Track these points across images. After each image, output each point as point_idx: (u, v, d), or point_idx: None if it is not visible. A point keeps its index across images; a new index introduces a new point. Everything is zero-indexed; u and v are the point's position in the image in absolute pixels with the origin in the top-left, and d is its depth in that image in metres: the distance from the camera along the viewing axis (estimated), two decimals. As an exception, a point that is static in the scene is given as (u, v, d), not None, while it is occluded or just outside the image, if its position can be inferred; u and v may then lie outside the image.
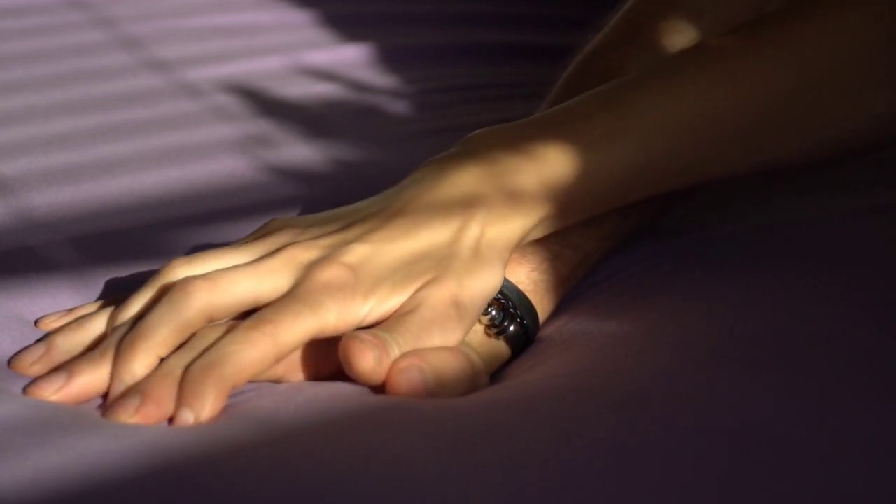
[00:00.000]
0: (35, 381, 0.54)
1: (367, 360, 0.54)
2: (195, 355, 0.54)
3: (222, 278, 0.56)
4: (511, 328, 0.60)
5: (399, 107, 0.91)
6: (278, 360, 0.55)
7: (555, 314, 0.63)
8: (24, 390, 0.54)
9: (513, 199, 0.60)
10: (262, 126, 0.85)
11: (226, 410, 0.52)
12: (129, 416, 0.52)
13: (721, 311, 0.60)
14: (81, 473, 0.47)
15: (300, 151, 0.82)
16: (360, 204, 0.61)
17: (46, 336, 0.57)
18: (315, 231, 0.59)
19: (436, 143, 0.83)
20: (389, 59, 0.98)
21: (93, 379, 0.54)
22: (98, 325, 0.57)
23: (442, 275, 0.58)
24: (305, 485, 0.46)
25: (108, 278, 0.63)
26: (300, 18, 1.06)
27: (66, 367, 0.55)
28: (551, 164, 0.61)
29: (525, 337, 0.61)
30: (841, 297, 0.61)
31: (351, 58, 0.98)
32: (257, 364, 0.54)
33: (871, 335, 0.58)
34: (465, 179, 0.61)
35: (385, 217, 0.59)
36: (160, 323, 0.55)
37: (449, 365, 0.56)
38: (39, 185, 0.74)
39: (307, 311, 0.55)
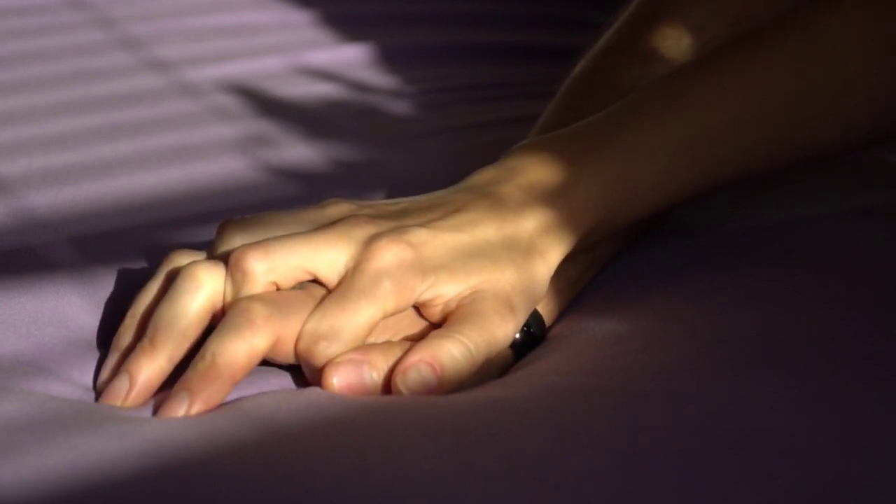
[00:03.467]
0: (104, 391, 0.54)
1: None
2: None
3: (278, 250, 0.56)
4: (517, 336, 0.60)
5: (399, 107, 0.91)
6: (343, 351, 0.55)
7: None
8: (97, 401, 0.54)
9: (562, 211, 0.61)
10: (262, 126, 0.85)
11: (227, 410, 0.52)
12: (182, 415, 0.52)
13: (721, 311, 0.60)
14: (83, 472, 0.47)
15: (300, 151, 0.82)
16: (415, 198, 0.61)
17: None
18: (372, 209, 0.59)
19: (436, 143, 0.83)
20: (389, 59, 0.98)
21: (153, 371, 0.54)
22: (144, 302, 0.57)
23: (497, 274, 0.58)
24: (306, 485, 0.46)
25: (108, 278, 0.63)
26: (300, 18, 1.06)
27: (125, 368, 0.54)
28: (598, 176, 0.62)
29: (532, 344, 0.61)
30: (840, 297, 0.61)
31: (351, 58, 0.98)
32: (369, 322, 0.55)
33: (870, 335, 0.58)
34: (516, 190, 0.61)
35: (444, 212, 0.59)
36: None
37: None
38: (39, 185, 0.74)
39: (365, 301, 0.55)
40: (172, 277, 0.57)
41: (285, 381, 0.57)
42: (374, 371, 0.55)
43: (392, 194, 0.75)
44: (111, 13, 1.05)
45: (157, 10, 1.07)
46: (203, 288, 0.55)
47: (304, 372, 0.56)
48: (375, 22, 1.05)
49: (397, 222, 0.58)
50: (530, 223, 0.60)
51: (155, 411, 0.53)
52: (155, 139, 0.82)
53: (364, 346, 0.55)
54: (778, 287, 0.62)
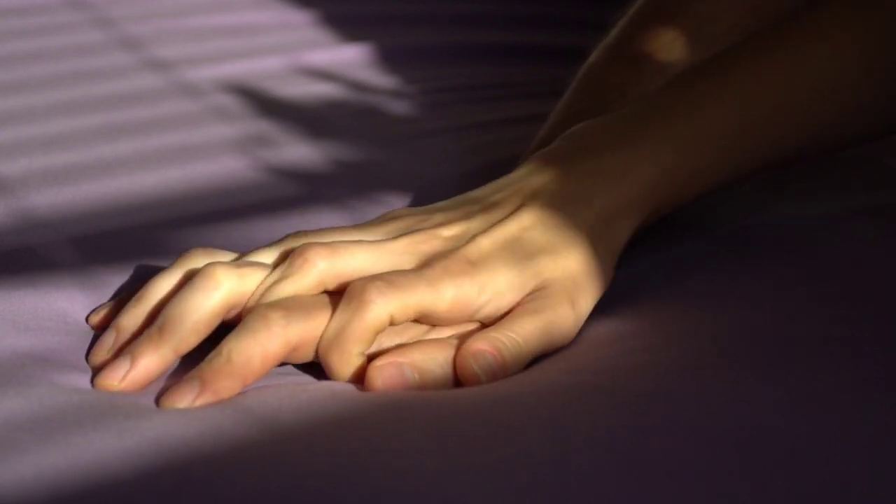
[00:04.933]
0: (101, 370, 0.55)
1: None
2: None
3: (343, 253, 0.57)
4: None
5: (399, 107, 0.91)
6: (391, 323, 0.56)
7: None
8: (95, 385, 0.54)
9: (623, 196, 0.61)
10: (262, 126, 0.85)
11: (229, 407, 0.52)
12: (189, 403, 0.52)
13: (722, 311, 0.60)
14: (83, 470, 0.47)
15: (300, 151, 0.82)
16: (478, 193, 0.62)
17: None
18: (438, 218, 0.60)
19: (436, 143, 0.83)
20: (389, 59, 0.98)
21: (155, 358, 0.54)
22: (159, 291, 0.57)
23: (558, 273, 0.58)
24: (307, 483, 0.46)
25: (107, 277, 0.63)
26: (300, 18, 1.06)
27: (128, 351, 0.55)
28: (656, 160, 0.62)
29: None
30: (840, 297, 0.61)
31: (351, 58, 0.98)
32: (376, 325, 0.55)
33: (870, 335, 0.58)
34: (577, 176, 0.61)
35: (508, 210, 0.60)
36: (282, 288, 0.56)
37: (433, 359, 0.56)
38: (39, 185, 0.74)
39: (424, 284, 0.56)
40: (189, 276, 0.57)
41: (288, 372, 0.57)
42: (415, 371, 0.55)
43: (392, 194, 0.75)
44: (111, 13, 1.05)
45: (157, 10, 1.07)
46: (220, 288, 0.56)
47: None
48: (375, 22, 1.05)
49: (462, 228, 0.59)
50: (590, 214, 0.60)
51: (160, 399, 0.53)
52: (155, 139, 0.82)
53: (404, 347, 0.56)
54: (778, 287, 0.62)
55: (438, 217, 0.60)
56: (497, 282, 0.58)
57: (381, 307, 0.55)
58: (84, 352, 0.57)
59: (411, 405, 0.53)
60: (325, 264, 0.57)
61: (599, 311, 0.61)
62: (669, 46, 0.72)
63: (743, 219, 0.70)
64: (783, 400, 0.52)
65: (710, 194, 0.65)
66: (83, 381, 0.55)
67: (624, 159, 0.62)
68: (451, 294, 0.57)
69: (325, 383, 0.55)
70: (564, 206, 0.60)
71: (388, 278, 0.56)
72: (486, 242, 0.58)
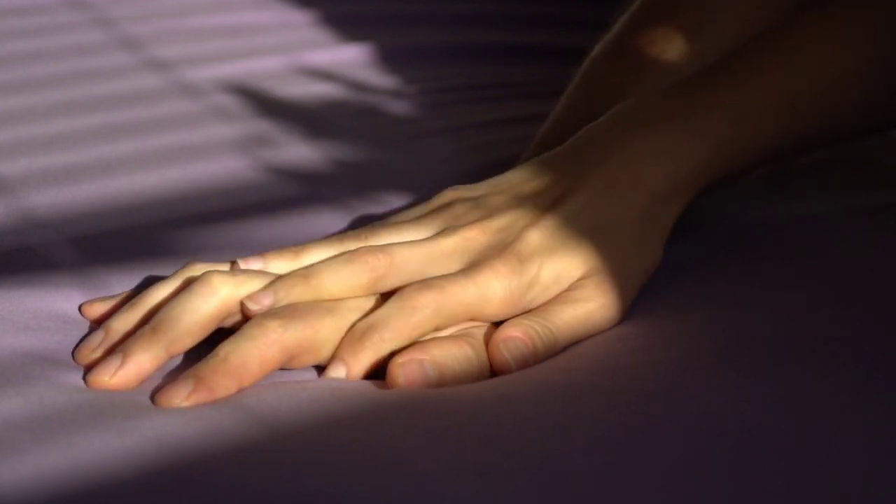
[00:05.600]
0: (93, 368, 0.54)
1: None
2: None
3: (398, 254, 0.58)
4: None
5: (399, 107, 0.91)
6: (435, 325, 0.57)
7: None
8: (86, 382, 0.54)
9: (676, 174, 0.61)
10: (262, 126, 0.85)
11: (228, 406, 0.52)
12: (183, 400, 0.52)
13: (722, 311, 0.60)
14: (82, 470, 0.47)
15: (300, 151, 0.82)
16: (525, 173, 0.62)
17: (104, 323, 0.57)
18: (489, 205, 0.60)
19: (436, 143, 0.83)
20: (389, 59, 0.98)
21: (146, 356, 0.54)
22: (154, 298, 0.57)
23: (606, 261, 0.59)
24: (307, 482, 0.46)
25: (107, 278, 0.63)
26: (300, 18, 1.06)
27: (120, 349, 0.55)
28: (711, 133, 0.63)
29: None
30: (840, 297, 0.61)
31: (351, 58, 0.98)
32: (416, 330, 0.56)
33: (870, 335, 0.58)
34: (627, 156, 0.61)
35: (556, 195, 0.61)
36: (337, 283, 0.57)
37: (451, 355, 0.56)
38: (39, 185, 0.74)
39: (473, 289, 0.57)
40: (187, 284, 0.57)
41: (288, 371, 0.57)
42: (435, 368, 0.55)
43: (392, 194, 0.75)
44: (111, 13, 1.05)
45: (157, 10, 1.07)
46: (217, 294, 0.56)
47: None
48: (375, 22, 1.05)
49: (513, 218, 0.60)
50: (642, 195, 0.61)
51: (155, 397, 0.53)
52: (155, 139, 0.82)
53: (422, 344, 0.56)
54: (777, 287, 0.62)
55: (488, 205, 0.61)
56: (544, 276, 0.59)
57: (429, 317, 0.57)
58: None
59: (411, 404, 0.53)
60: (382, 271, 0.57)
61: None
62: (670, 45, 0.72)
63: (743, 219, 0.70)
64: (783, 400, 0.52)
65: (753, 172, 0.66)
66: (82, 380, 0.55)
67: (677, 136, 0.62)
68: (499, 296, 0.58)
69: (324, 382, 0.55)
70: (614, 189, 0.61)
71: (440, 286, 0.57)
72: (534, 237, 0.59)
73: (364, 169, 0.80)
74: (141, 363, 0.54)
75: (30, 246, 0.68)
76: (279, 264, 0.58)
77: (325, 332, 0.56)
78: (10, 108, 0.86)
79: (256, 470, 0.47)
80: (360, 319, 0.57)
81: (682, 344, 0.57)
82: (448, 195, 0.62)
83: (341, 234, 0.60)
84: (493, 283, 0.58)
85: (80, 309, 0.59)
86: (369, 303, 0.58)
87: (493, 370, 0.57)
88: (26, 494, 0.46)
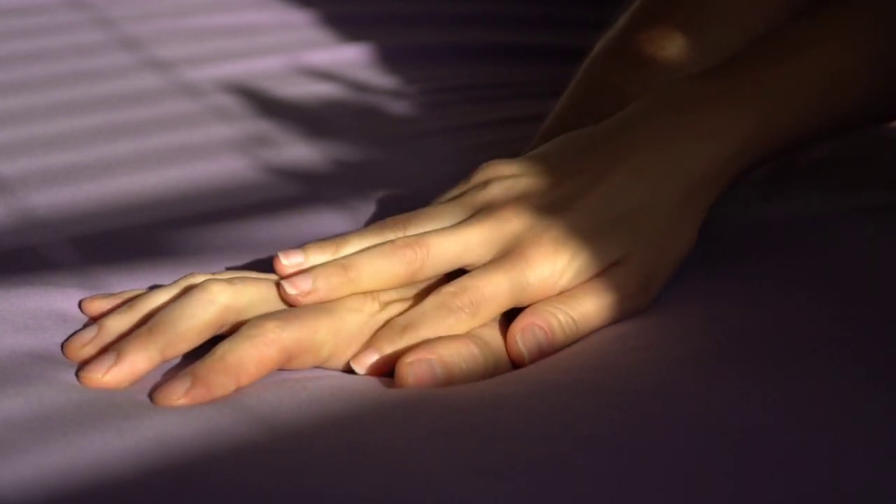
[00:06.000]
0: (85, 364, 0.54)
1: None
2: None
3: (434, 246, 0.58)
4: None
5: (399, 107, 0.90)
6: (477, 322, 0.58)
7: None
8: (79, 377, 0.54)
9: (719, 156, 0.62)
10: (262, 126, 0.85)
11: (228, 406, 0.52)
12: (180, 397, 0.52)
13: (722, 310, 0.60)
14: (83, 470, 0.47)
15: (300, 151, 0.82)
16: (565, 150, 0.63)
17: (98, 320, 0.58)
18: (525, 187, 0.61)
19: (436, 143, 0.83)
20: (389, 59, 0.98)
21: (141, 356, 0.54)
22: (152, 303, 0.57)
23: (641, 248, 0.60)
24: (306, 482, 0.46)
25: (107, 277, 0.63)
26: (300, 18, 1.06)
27: (115, 347, 0.55)
28: (754, 114, 0.63)
29: None
30: (841, 297, 0.61)
31: (351, 58, 0.98)
32: (453, 328, 0.57)
33: (870, 334, 0.58)
34: (664, 141, 0.62)
35: (593, 178, 0.61)
36: (374, 276, 0.58)
37: (458, 354, 0.56)
38: (39, 185, 0.74)
39: (506, 282, 0.58)
40: (187, 290, 0.57)
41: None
42: (443, 367, 0.56)
43: (392, 194, 0.75)
44: (111, 13, 1.05)
45: (157, 10, 1.07)
46: (215, 302, 0.56)
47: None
48: (375, 22, 1.05)
49: (548, 199, 0.60)
50: (680, 181, 0.61)
51: (153, 395, 0.53)
52: (155, 139, 0.82)
53: (429, 343, 0.57)
54: (778, 286, 0.62)
55: (524, 186, 0.61)
56: (578, 261, 0.59)
57: (465, 320, 0.58)
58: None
59: (411, 404, 0.53)
60: (418, 265, 0.58)
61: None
62: (671, 43, 0.72)
63: (743, 218, 0.70)
64: (783, 399, 0.52)
65: (793, 152, 0.66)
66: (75, 376, 0.55)
67: (716, 120, 0.62)
68: (534, 285, 0.58)
69: (324, 381, 0.55)
70: (651, 174, 0.61)
71: (476, 287, 0.58)
72: (568, 221, 0.59)
73: (364, 169, 0.80)
74: (135, 363, 0.54)
75: (30, 246, 0.68)
76: (319, 258, 0.59)
77: (323, 333, 0.56)
78: (10, 108, 0.86)
79: (256, 470, 0.47)
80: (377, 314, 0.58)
81: (682, 343, 0.57)
82: (486, 172, 0.62)
83: (381, 221, 0.61)
84: (528, 273, 0.58)
85: (80, 304, 0.59)
86: (368, 304, 0.58)
87: (510, 356, 0.58)
88: (26, 494, 0.46)
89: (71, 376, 0.54)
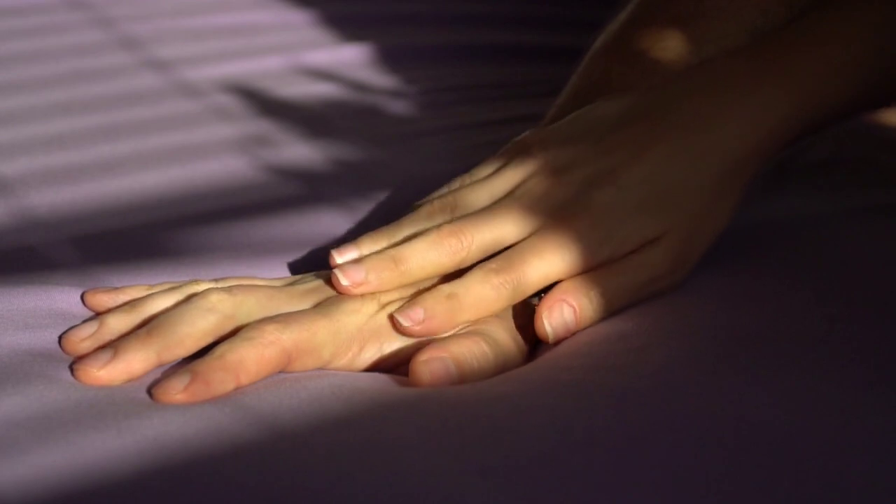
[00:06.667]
0: (81, 358, 0.55)
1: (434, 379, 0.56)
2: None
3: (479, 233, 0.60)
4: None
5: (399, 107, 0.90)
6: (518, 297, 0.59)
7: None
8: (72, 368, 0.54)
9: (751, 137, 0.62)
10: (262, 126, 0.85)
11: (228, 405, 0.52)
12: (179, 392, 0.53)
13: (721, 310, 0.60)
14: (83, 470, 0.47)
15: (300, 151, 0.82)
16: (606, 120, 0.63)
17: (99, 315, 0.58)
18: (567, 157, 0.61)
19: (436, 142, 0.83)
20: (389, 59, 0.98)
21: (138, 356, 0.55)
22: (154, 307, 0.58)
23: (679, 225, 0.60)
24: (306, 481, 0.46)
25: (107, 277, 0.63)
26: (300, 18, 1.06)
27: (113, 344, 0.55)
28: (784, 97, 0.63)
29: None
30: (840, 297, 0.61)
31: (351, 58, 0.98)
32: (494, 304, 0.59)
33: (870, 334, 0.58)
34: (706, 118, 0.62)
35: (632, 154, 0.61)
36: (424, 268, 0.59)
37: (470, 352, 0.57)
38: (39, 185, 0.74)
39: (546, 258, 0.59)
40: (189, 297, 0.58)
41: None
42: (456, 365, 0.56)
43: (392, 194, 0.75)
44: (111, 13, 1.05)
45: (157, 10, 1.07)
46: (215, 311, 0.56)
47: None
48: (375, 22, 1.05)
49: (589, 171, 0.60)
50: (720, 159, 0.61)
51: (152, 391, 0.53)
52: (155, 139, 0.82)
53: (441, 341, 0.57)
54: (777, 286, 0.62)
55: (566, 156, 0.61)
56: (617, 237, 0.60)
57: (506, 297, 0.59)
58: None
59: (411, 403, 0.53)
60: (465, 253, 0.60)
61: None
62: (672, 35, 0.72)
63: (743, 218, 0.70)
64: (783, 399, 0.52)
65: (825, 130, 0.66)
66: (69, 369, 0.55)
67: (757, 97, 0.63)
68: (572, 262, 0.59)
69: (324, 380, 0.55)
70: (692, 152, 0.61)
71: (520, 269, 0.59)
72: (608, 197, 0.60)
73: (364, 169, 0.80)
74: (131, 362, 0.54)
75: (30, 246, 0.68)
76: (375, 247, 0.60)
77: (322, 335, 0.56)
78: (10, 108, 0.86)
79: (256, 469, 0.47)
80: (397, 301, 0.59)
81: (682, 343, 0.57)
82: (529, 139, 0.63)
83: (431, 204, 0.62)
84: (566, 249, 0.59)
85: (82, 296, 0.60)
86: (367, 305, 0.58)
87: (537, 336, 0.59)
88: (26, 493, 0.46)
89: (70, 375, 0.54)
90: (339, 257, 0.60)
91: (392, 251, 0.59)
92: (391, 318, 0.58)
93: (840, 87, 0.65)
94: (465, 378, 0.56)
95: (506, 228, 0.60)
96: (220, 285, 0.59)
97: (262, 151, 0.81)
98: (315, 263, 0.66)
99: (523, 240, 0.60)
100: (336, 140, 0.84)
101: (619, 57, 0.72)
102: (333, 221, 0.71)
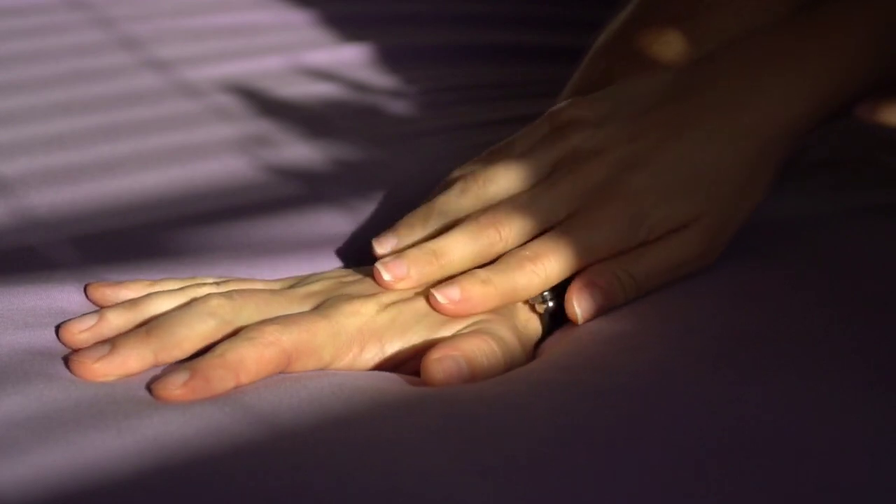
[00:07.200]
0: (78, 351, 0.55)
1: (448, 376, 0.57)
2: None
3: (516, 222, 0.61)
4: (551, 303, 0.61)
5: (399, 107, 0.90)
6: (550, 283, 0.60)
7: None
8: (67, 359, 0.54)
9: (786, 117, 0.62)
10: (262, 126, 0.85)
11: (228, 405, 0.52)
12: (178, 387, 0.53)
13: (720, 310, 0.60)
14: (83, 470, 0.47)
15: (300, 151, 0.82)
16: (641, 98, 0.64)
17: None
18: (603, 138, 0.62)
19: (436, 142, 0.83)
20: (389, 59, 0.98)
21: (134, 354, 0.55)
22: (155, 308, 0.58)
23: (712, 208, 0.61)
24: (307, 481, 0.46)
25: (107, 277, 0.63)
26: (300, 18, 1.06)
27: (111, 340, 0.55)
28: (820, 76, 0.64)
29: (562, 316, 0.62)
30: (840, 296, 0.61)
31: (351, 58, 0.98)
32: (526, 291, 0.60)
33: (870, 334, 0.58)
34: (741, 99, 0.62)
35: (667, 136, 0.62)
36: (464, 260, 0.60)
37: (480, 350, 0.57)
38: (39, 185, 0.74)
39: (578, 244, 0.60)
40: (192, 301, 0.58)
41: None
42: (467, 363, 0.57)
43: (392, 194, 0.75)
44: (111, 13, 1.05)
45: (157, 10, 1.07)
46: (214, 315, 0.57)
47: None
48: (375, 22, 1.05)
49: (626, 151, 0.61)
50: (755, 140, 0.62)
51: (151, 386, 0.53)
52: (155, 139, 0.82)
53: (452, 339, 0.58)
54: (778, 285, 0.62)
55: (602, 137, 0.62)
56: (651, 220, 0.60)
57: (539, 285, 0.60)
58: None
59: (411, 403, 0.53)
60: (502, 244, 0.61)
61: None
62: (672, 33, 0.72)
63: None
64: (778, 399, 0.52)
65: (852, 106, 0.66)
66: (81, 378, 0.55)
67: (792, 77, 0.63)
68: (603, 244, 0.60)
69: (324, 380, 0.55)
70: (726, 133, 0.61)
71: (556, 257, 0.60)
72: (644, 180, 0.60)
73: (364, 169, 0.80)
74: (127, 358, 0.55)
75: (30, 245, 0.68)
76: (411, 235, 0.61)
77: (322, 336, 0.56)
78: (10, 108, 0.86)
79: (256, 468, 0.47)
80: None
81: (682, 343, 0.57)
82: (565, 115, 0.64)
83: (464, 178, 0.63)
84: (599, 234, 0.60)
85: (85, 288, 0.60)
86: (367, 306, 0.58)
87: (566, 310, 0.60)
88: (26, 493, 0.46)
89: (71, 374, 0.54)
90: (380, 248, 0.61)
91: (432, 245, 0.60)
92: (430, 294, 0.59)
93: (870, 64, 0.65)
94: (475, 376, 0.56)
95: (541, 216, 0.61)
96: (221, 287, 0.59)
97: (262, 151, 0.81)
98: (315, 263, 0.66)
99: (557, 224, 0.60)
100: (336, 140, 0.84)
101: (621, 56, 0.72)
102: (333, 221, 0.71)
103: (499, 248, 0.60)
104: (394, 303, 0.59)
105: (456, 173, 0.64)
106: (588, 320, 0.60)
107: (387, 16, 1.07)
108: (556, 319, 0.62)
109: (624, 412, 0.51)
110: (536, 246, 0.60)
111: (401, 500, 0.46)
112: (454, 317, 0.59)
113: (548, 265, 0.60)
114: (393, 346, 0.58)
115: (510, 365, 0.58)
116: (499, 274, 0.60)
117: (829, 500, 0.47)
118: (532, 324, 0.61)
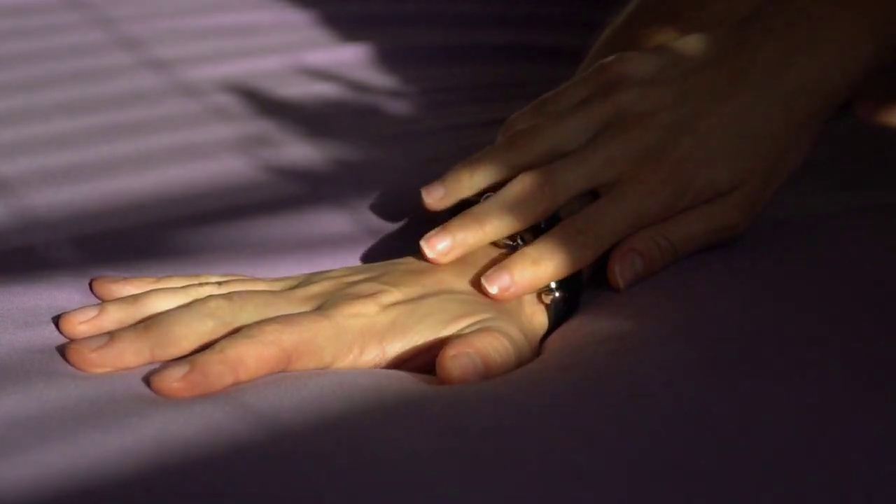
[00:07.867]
0: (77, 341, 0.55)
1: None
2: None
3: (561, 190, 0.61)
4: (557, 294, 0.61)
5: (399, 107, 0.91)
6: (600, 253, 0.61)
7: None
8: (66, 349, 0.54)
9: (827, 81, 0.63)
10: (262, 126, 0.85)
11: (228, 404, 0.52)
12: (176, 380, 0.53)
13: (723, 310, 0.60)
14: (83, 470, 0.47)
15: (300, 151, 0.82)
16: (687, 58, 0.64)
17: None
18: (652, 100, 0.62)
19: (436, 142, 0.83)
20: (389, 59, 0.98)
21: (131, 348, 0.55)
22: (156, 305, 0.58)
23: (755, 173, 0.62)
24: (307, 481, 0.46)
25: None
26: (300, 18, 1.06)
27: (109, 332, 0.56)
28: (869, 36, 0.63)
29: (567, 308, 0.62)
30: (840, 296, 0.61)
31: (351, 58, 0.98)
32: (579, 264, 0.60)
33: (870, 335, 0.58)
34: (782, 64, 0.62)
35: (713, 97, 0.62)
36: (505, 230, 0.61)
37: (493, 347, 0.57)
38: (39, 185, 0.74)
39: (628, 212, 0.60)
40: (193, 301, 0.58)
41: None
42: (482, 360, 0.57)
43: (392, 194, 0.75)
44: (111, 13, 1.05)
45: (157, 10, 1.07)
46: (213, 317, 0.57)
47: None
48: (375, 22, 1.05)
49: (674, 115, 0.61)
50: (803, 102, 0.62)
51: (149, 379, 0.53)
52: (155, 139, 0.82)
53: (465, 337, 0.57)
54: (778, 285, 0.62)
55: (651, 99, 0.62)
56: (696, 185, 0.61)
57: (589, 256, 0.60)
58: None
59: (412, 402, 0.53)
60: (543, 213, 0.61)
61: (596, 309, 0.61)
62: (674, 30, 0.72)
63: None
64: (780, 400, 0.52)
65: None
66: (82, 376, 0.55)
67: (840, 34, 0.63)
68: (653, 211, 0.61)
69: (325, 379, 0.55)
70: (775, 94, 0.62)
71: (597, 219, 0.60)
72: (684, 146, 0.61)
73: (364, 169, 0.80)
74: (123, 351, 0.55)
75: (30, 245, 0.68)
76: (457, 188, 0.62)
77: (323, 336, 0.56)
78: (10, 108, 0.86)
79: (257, 468, 0.47)
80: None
81: (681, 343, 0.57)
82: (615, 68, 0.64)
83: (511, 135, 0.63)
84: (648, 200, 0.60)
85: (90, 283, 0.60)
86: (368, 306, 0.58)
87: (609, 279, 0.61)
88: (26, 492, 0.46)
89: (71, 372, 0.54)
90: (429, 197, 0.63)
91: (475, 211, 0.61)
92: (479, 283, 0.59)
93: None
94: (489, 373, 0.56)
95: (588, 178, 0.61)
96: (222, 288, 0.59)
97: (262, 151, 0.81)
98: (315, 263, 0.66)
99: (605, 189, 0.61)
100: (336, 140, 0.84)
101: (624, 50, 0.72)
102: (333, 221, 0.71)
103: (543, 208, 0.61)
104: (395, 303, 0.59)
105: (515, 118, 0.65)
106: (630, 286, 0.61)
107: (387, 16, 1.07)
108: (560, 311, 0.61)
109: (626, 412, 0.51)
110: (584, 218, 0.61)
111: (401, 501, 0.46)
112: (506, 301, 0.59)
113: (596, 234, 0.60)
114: (394, 348, 0.58)
115: (520, 362, 0.58)
116: (549, 250, 0.60)
117: (828, 500, 0.47)
118: (538, 317, 0.61)
